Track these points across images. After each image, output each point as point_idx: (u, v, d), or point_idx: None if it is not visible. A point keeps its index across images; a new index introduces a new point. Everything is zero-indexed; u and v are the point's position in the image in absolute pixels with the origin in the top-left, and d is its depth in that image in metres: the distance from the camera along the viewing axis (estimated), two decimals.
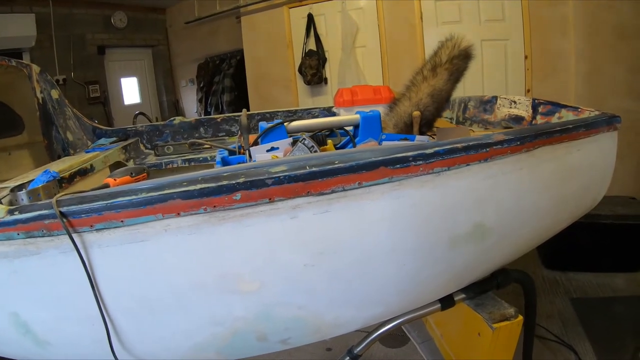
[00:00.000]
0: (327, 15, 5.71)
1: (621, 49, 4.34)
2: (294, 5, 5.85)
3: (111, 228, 1.11)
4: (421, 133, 2.08)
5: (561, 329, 3.04)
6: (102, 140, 3.48)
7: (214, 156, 2.96)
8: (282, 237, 1.14)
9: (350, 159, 1.13)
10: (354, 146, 1.85)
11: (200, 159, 3.01)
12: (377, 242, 1.23)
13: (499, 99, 2.54)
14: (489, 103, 2.61)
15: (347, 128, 2.01)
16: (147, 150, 3.46)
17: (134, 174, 1.58)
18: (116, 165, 3.05)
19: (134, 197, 1.08)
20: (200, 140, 2.87)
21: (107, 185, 1.50)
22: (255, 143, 1.82)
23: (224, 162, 1.82)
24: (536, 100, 2.25)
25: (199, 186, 1.06)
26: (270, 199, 1.08)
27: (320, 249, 1.18)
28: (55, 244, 1.19)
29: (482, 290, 1.67)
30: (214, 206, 1.07)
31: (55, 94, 3.38)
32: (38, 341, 1.46)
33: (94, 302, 1.22)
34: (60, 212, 1.13)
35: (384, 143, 1.82)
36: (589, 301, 3.39)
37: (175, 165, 3.07)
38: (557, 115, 2.11)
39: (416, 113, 2.06)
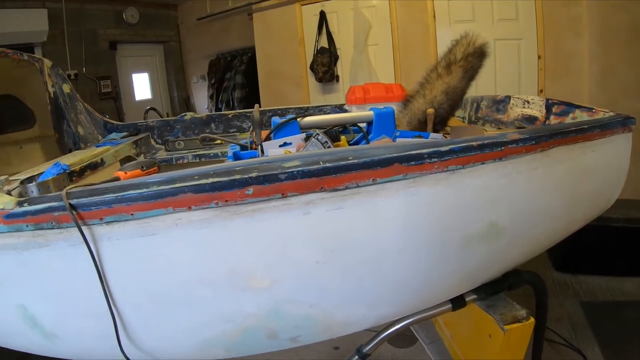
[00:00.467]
0: (340, 12, 5.69)
1: (635, 50, 4.29)
2: (306, 2, 5.84)
3: (121, 221, 1.10)
4: (435, 131, 2.06)
5: (570, 333, 3.01)
6: (113, 135, 3.49)
7: (225, 152, 2.95)
8: (295, 234, 1.13)
9: (365, 155, 1.11)
10: (368, 143, 1.83)
11: (211, 154, 3.01)
12: (390, 239, 1.21)
13: (512, 98, 2.51)
14: (502, 103, 2.59)
15: (361, 124, 2.00)
16: (157, 146, 3.47)
17: (144, 168, 1.57)
18: (127, 160, 3.05)
19: (144, 190, 1.07)
20: (212, 136, 2.86)
21: (117, 179, 1.50)
22: (268, 138, 1.80)
23: (236, 157, 1.81)
24: (550, 101, 2.22)
25: (210, 180, 1.05)
26: (283, 194, 1.07)
27: (333, 246, 1.17)
28: (64, 237, 1.18)
29: (493, 291, 1.64)
30: (226, 201, 1.06)
31: (66, 88, 3.39)
32: (46, 334, 1.46)
33: (103, 296, 1.21)
34: (70, 204, 1.12)
35: (398, 140, 1.81)
36: (599, 305, 3.35)
37: (186, 161, 3.07)
38: (571, 115, 2.09)
39: (430, 110, 2.05)
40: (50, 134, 3.58)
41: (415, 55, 5.24)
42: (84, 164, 2.50)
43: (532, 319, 1.57)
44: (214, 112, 7.30)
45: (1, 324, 1.60)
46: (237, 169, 1.07)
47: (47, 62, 3.28)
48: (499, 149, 1.26)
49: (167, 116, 7.24)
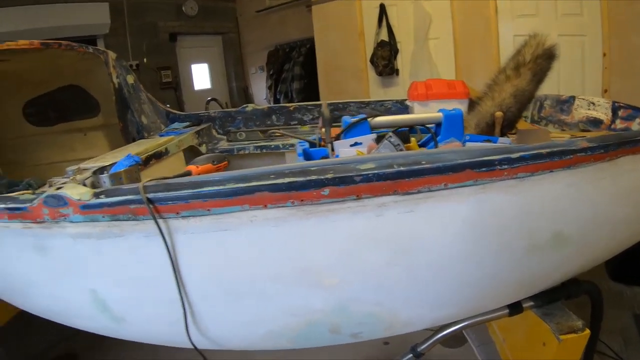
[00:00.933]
0: (399, 5, 5.62)
1: None
2: None
3: (197, 216, 1.15)
4: (502, 134, 2.03)
5: (621, 346, 2.91)
6: (176, 125, 3.59)
7: (287, 144, 3.00)
8: (366, 235, 1.14)
9: (437, 160, 1.11)
10: (436, 144, 1.82)
11: (273, 146, 3.05)
12: (457, 244, 1.22)
13: (576, 99, 2.44)
14: (566, 103, 2.52)
15: (429, 125, 1.99)
16: (219, 136, 3.54)
17: (215, 162, 1.61)
18: (190, 150, 3.14)
19: (221, 187, 1.10)
20: (280, 130, 2.91)
21: (189, 173, 1.54)
22: (338, 137, 1.82)
23: (306, 155, 1.84)
24: (616, 104, 2.16)
25: (287, 180, 1.07)
26: (357, 195, 1.08)
27: (402, 248, 1.18)
28: (140, 228, 1.23)
29: (551, 299, 1.61)
30: (302, 200, 1.08)
31: (130, 79, 3.51)
32: (114, 317, 1.53)
33: (174, 285, 1.26)
34: (148, 198, 1.17)
35: (468, 144, 1.79)
36: None
37: (247, 152, 3.13)
38: (637, 120, 2.03)
39: (499, 114, 2.01)
40: (113, 123, 3.71)
41: (476, 50, 5.13)
42: (150, 153, 2.59)
43: (587, 331, 1.53)
44: (273, 104, 7.43)
45: (70, 306, 1.70)
46: (313, 169, 1.09)
47: (112, 55, 3.40)
48: (568, 157, 1.23)
49: (226, 107, 7.40)
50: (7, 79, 3.30)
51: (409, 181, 1.10)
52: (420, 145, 1.92)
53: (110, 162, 2.38)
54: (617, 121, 2.14)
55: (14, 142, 2.36)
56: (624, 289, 3.59)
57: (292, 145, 2.98)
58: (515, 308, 1.57)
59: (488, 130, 2.05)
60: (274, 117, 3.39)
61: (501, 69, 2.16)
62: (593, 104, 2.30)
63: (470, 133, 1.95)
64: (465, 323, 1.56)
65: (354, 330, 1.37)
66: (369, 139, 1.72)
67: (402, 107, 3.14)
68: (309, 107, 3.31)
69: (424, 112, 2.62)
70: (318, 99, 6.11)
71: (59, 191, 1.39)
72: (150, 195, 1.17)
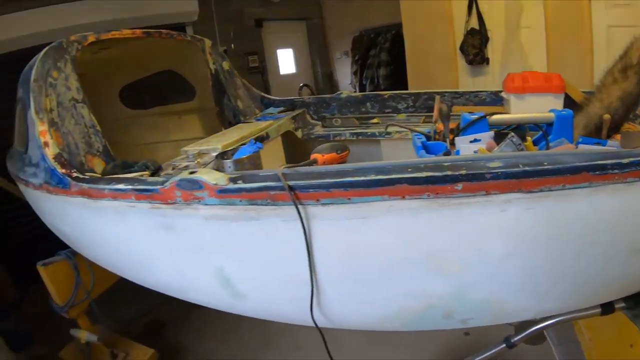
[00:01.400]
0: None
1: None
2: None
3: (338, 204, 1.25)
4: (608, 136, 2.05)
5: None
6: (271, 110, 3.73)
7: (382, 132, 3.08)
8: (491, 228, 1.22)
9: (558, 162, 1.17)
10: (547, 144, 1.87)
11: (369, 133, 3.13)
12: (570, 241, 1.28)
13: None
14: None
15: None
16: (313, 121, 3.65)
17: (339, 151, 1.71)
18: (287, 134, 3.28)
19: (363, 178, 1.21)
20: (397, 124, 2.96)
21: (315, 161, 1.65)
22: (457, 132, 1.90)
23: (425, 148, 1.92)
24: None
25: (424, 174, 1.16)
26: (486, 191, 1.16)
27: (521, 242, 1.25)
28: (277, 213, 1.35)
29: None
30: (437, 193, 1.17)
31: (226, 65, 3.68)
32: (235, 294, 1.67)
33: (306, 267, 1.38)
34: (289, 185, 1.29)
35: (580, 146, 1.83)
36: None
37: (343, 138, 3.23)
38: None
39: (606, 116, 2.01)
40: (207, 107, 3.91)
41: (569, 41, 4.96)
42: (253, 138, 2.74)
43: None
44: (359, 90, 7.49)
45: (192, 281, 1.88)
46: (447, 165, 1.18)
47: (208, 42, 3.58)
48: None
49: (311, 92, 7.53)
50: (106, 65, 3.53)
51: (532, 180, 1.16)
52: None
53: (217, 145, 2.54)
54: None
55: (111, 124, 2.56)
56: None
57: (388, 133, 3.05)
58: (607, 308, 1.61)
59: (595, 132, 2.06)
60: (368, 104, 3.44)
61: (608, 70, 2.15)
62: None
63: (579, 134, 1.98)
64: (561, 318, 1.62)
65: (465, 316, 1.45)
66: (487, 136, 1.79)
67: (496, 98, 3.13)
68: (404, 95, 3.34)
69: (520, 105, 2.63)
70: (405, 86, 6.09)
71: (193, 176, 1.52)
72: (291, 183, 1.29)
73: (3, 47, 4.88)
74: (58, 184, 2.20)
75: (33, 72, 2.43)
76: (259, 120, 3.40)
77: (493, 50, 5.56)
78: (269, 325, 3.64)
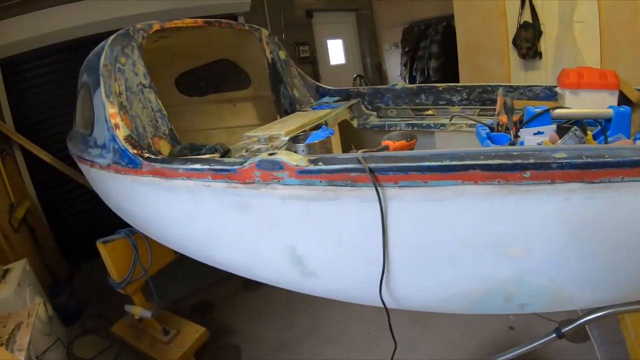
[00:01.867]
0: None
1: None
2: None
3: (414, 187, 1.36)
4: None
5: None
6: (326, 99, 3.84)
7: (437, 123, 3.16)
8: (554, 215, 1.30)
9: (618, 155, 1.24)
10: (606, 139, 1.93)
11: (424, 125, 3.22)
12: (628, 233, 1.34)
13: None
14: None
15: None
16: (368, 111, 3.74)
17: (408, 139, 1.82)
18: (342, 124, 3.39)
19: (440, 163, 1.30)
20: (464, 115, 3.04)
21: (386, 147, 1.76)
22: (521, 124, 1.98)
23: (490, 139, 2.01)
24: None
25: (496, 161, 1.26)
26: (552, 180, 1.25)
27: (581, 230, 1.33)
28: (356, 194, 1.46)
29: None
30: (507, 180, 1.26)
31: (282, 54, 3.79)
32: (305, 272, 1.77)
33: (378, 247, 1.48)
34: (369, 168, 1.39)
35: (638, 142, 1.89)
36: None
37: (398, 128, 3.31)
38: None
39: None
40: (262, 95, 4.04)
41: (623, 37, 4.87)
42: (313, 125, 2.85)
43: None
44: (408, 81, 7.52)
45: (262, 259, 1.97)
46: (516, 154, 1.27)
47: (265, 31, 3.70)
48: None
49: (359, 82, 7.59)
50: (164, 53, 3.68)
51: (594, 172, 1.24)
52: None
53: (280, 131, 2.66)
54: None
55: (166, 110, 2.70)
56: None
57: (443, 125, 3.13)
58: None
59: None
60: (422, 96, 3.51)
61: None
62: None
63: (636, 131, 2.03)
64: (613, 310, 1.68)
65: (523, 301, 1.52)
66: (550, 129, 1.87)
67: (550, 93, 3.15)
68: (458, 88, 3.40)
69: (575, 100, 2.67)
70: (456, 79, 6.10)
71: (274, 157, 1.63)
72: (371, 165, 1.39)
73: (64, 35, 5.12)
74: (128, 164, 2.34)
75: (102, 57, 2.57)
76: (315, 109, 3.50)
77: (546, 45, 5.50)
78: (317, 311, 3.79)
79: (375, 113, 3.66)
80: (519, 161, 1.25)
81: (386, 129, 3.34)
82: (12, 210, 4.54)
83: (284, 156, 1.61)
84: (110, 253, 3.18)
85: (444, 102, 3.44)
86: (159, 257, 3.35)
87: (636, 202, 1.29)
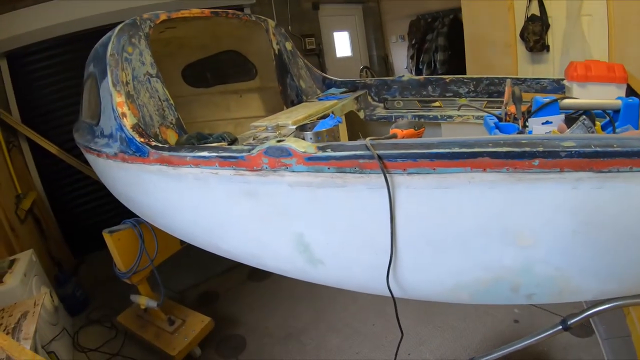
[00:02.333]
0: None
1: None
2: None
3: (423, 174, 1.35)
4: None
5: None
6: (333, 90, 3.84)
7: (444, 115, 3.16)
8: (562, 203, 1.30)
9: (627, 145, 1.23)
10: (614, 129, 1.92)
11: (431, 116, 3.21)
12: (637, 222, 1.33)
13: None
14: None
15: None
16: (374, 103, 3.74)
17: (416, 128, 1.81)
18: (348, 115, 3.39)
19: (448, 150, 1.30)
20: (472, 105, 3.04)
21: (395, 136, 1.76)
22: (529, 114, 1.97)
23: (498, 129, 2.01)
24: None
25: (505, 149, 1.25)
26: (561, 169, 1.24)
27: (589, 219, 1.32)
28: (364, 181, 1.45)
29: None
30: (515, 168, 1.26)
31: (289, 45, 3.79)
32: (312, 260, 1.77)
33: (386, 234, 1.48)
34: (378, 155, 1.39)
35: None
36: None
37: (405, 120, 3.30)
38: None
39: None
40: (269, 86, 4.05)
41: (632, 31, 4.87)
42: (319, 115, 2.84)
43: None
44: (415, 74, 7.50)
45: (269, 247, 1.97)
46: (524, 142, 1.26)
47: (271, 22, 3.70)
48: None
49: (366, 75, 7.57)
50: (171, 45, 3.69)
51: (602, 161, 1.23)
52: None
53: (287, 121, 2.66)
54: None
55: (174, 101, 2.71)
56: None
57: (450, 116, 3.12)
58: None
59: None
60: (429, 87, 3.51)
61: None
62: None
63: None
64: (620, 302, 1.64)
65: (530, 291, 1.52)
66: (558, 119, 1.86)
67: (558, 86, 3.16)
68: (465, 80, 3.39)
69: (583, 93, 2.65)
70: (463, 71, 6.08)
71: (282, 144, 1.62)
72: (380, 152, 1.39)
73: (69, 27, 5.13)
74: (135, 153, 2.34)
75: (109, 47, 2.58)
76: (321, 100, 3.50)
77: (554, 38, 5.48)
78: (322, 302, 3.80)
79: (382, 104, 3.66)
80: (527, 149, 1.25)
81: (393, 120, 3.35)
82: (18, 201, 4.57)
83: (292, 143, 1.60)
84: (117, 243, 3.19)
85: (451, 94, 3.44)
86: (164, 247, 3.36)
87: None
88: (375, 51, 8.97)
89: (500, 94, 3.11)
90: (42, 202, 5.28)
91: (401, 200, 1.42)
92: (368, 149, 1.41)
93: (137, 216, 3.19)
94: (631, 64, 2.87)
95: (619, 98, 2.00)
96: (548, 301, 1.60)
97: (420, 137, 1.82)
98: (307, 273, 1.91)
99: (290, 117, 2.75)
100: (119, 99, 2.48)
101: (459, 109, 3.09)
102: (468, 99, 3.31)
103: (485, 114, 2.29)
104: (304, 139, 1.99)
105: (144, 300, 3.40)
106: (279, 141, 1.65)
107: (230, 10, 3.44)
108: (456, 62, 6.76)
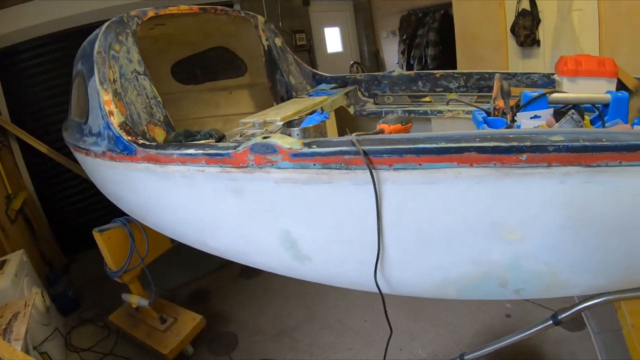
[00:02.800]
0: None
1: None
2: None
3: (409, 169, 1.34)
4: None
5: None
6: (322, 86, 3.82)
7: (434, 110, 3.15)
8: (551, 198, 1.29)
9: (616, 139, 1.22)
10: (603, 124, 1.92)
11: (421, 111, 3.20)
12: (625, 217, 1.33)
13: None
14: None
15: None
16: (364, 98, 3.73)
17: (404, 123, 1.80)
18: (338, 110, 3.38)
19: (435, 145, 1.29)
20: (460, 100, 3.03)
21: (382, 131, 1.75)
22: (518, 109, 1.97)
23: (487, 123, 1.99)
24: None
25: (492, 144, 1.25)
26: (548, 163, 1.23)
27: (578, 214, 1.32)
28: (350, 177, 1.44)
29: None
30: (503, 162, 1.25)
31: (278, 41, 3.77)
32: (299, 256, 1.77)
33: (373, 230, 1.47)
34: (364, 150, 1.38)
35: (636, 127, 1.87)
36: None
37: (395, 115, 3.30)
38: None
39: None
40: (258, 82, 4.03)
41: (622, 26, 4.85)
42: (309, 111, 2.83)
43: None
44: (406, 69, 7.50)
45: (256, 244, 1.96)
46: (512, 136, 1.25)
47: (261, 18, 3.68)
48: None
49: (356, 70, 7.56)
50: (160, 41, 3.67)
51: (591, 155, 1.22)
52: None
53: (275, 117, 2.64)
54: None
55: (162, 98, 2.69)
56: None
57: (440, 111, 3.12)
58: None
59: None
60: (420, 83, 3.50)
61: None
62: None
63: (634, 116, 2.02)
64: (610, 297, 1.62)
65: (519, 286, 1.51)
66: (547, 113, 1.86)
67: (548, 81, 3.14)
68: (456, 75, 3.39)
69: (573, 88, 2.66)
70: (454, 66, 6.07)
71: (268, 140, 1.61)
72: (366, 148, 1.38)
73: (59, 25, 5.09)
74: (123, 151, 2.33)
75: (96, 44, 2.55)
76: (311, 95, 3.49)
77: (544, 33, 5.49)
78: (313, 298, 3.81)
79: (372, 100, 3.66)
80: (515, 144, 1.24)
81: (383, 115, 3.33)
82: (8, 201, 4.54)
83: (277, 139, 1.59)
84: (107, 242, 3.17)
85: (441, 89, 3.43)
86: (155, 246, 3.35)
87: (634, 187, 1.27)
88: (366, 47, 8.93)
89: (491, 88, 3.10)
90: (32, 202, 5.24)
91: (387, 196, 1.42)
92: (354, 144, 1.39)
93: (127, 215, 3.16)
94: (622, 59, 2.86)
95: (608, 92, 2.00)
96: (537, 296, 1.60)
97: (408, 132, 1.82)
98: (294, 270, 1.91)
99: (279, 113, 2.73)
100: (106, 97, 2.46)
101: (447, 104, 3.09)
102: (458, 93, 3.31)
103: (474, 108, 2.28)
104: (290, 135, 1.98)
105: (135, 299, 3.38)
106: (264, 138, 1.65)
107: (218, 7, 3.42)
108: (447, 57, 6.71)
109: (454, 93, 3.33)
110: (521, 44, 5.50)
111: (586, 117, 1.95)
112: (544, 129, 1.35)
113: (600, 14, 5.05)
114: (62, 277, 4.41)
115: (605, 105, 1.99)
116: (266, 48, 3.69)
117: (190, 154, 1.91)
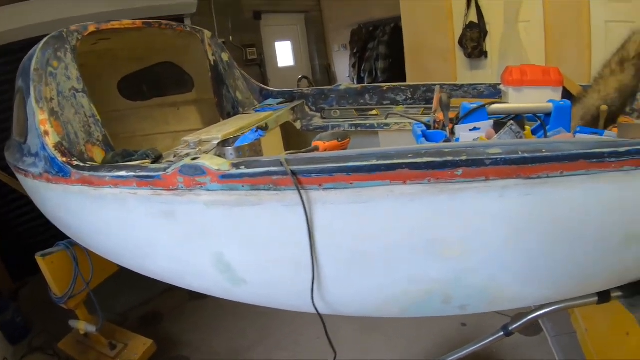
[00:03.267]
0: None
1: None
2: None
3: (339, 189, 1.28)
4: (605, 127, 2.07)
5: None
6: (270, 101, 3.75)
7: (381, 123, 3.11)
8: (489, 213, 1.25)
9: (557, 149, 1.20)
10: (545, 134, 1.90)
11: (368, 125, 3.16)
12: (567, 228, 1.30)
13: None
14: None
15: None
16: (312, 112, 3.67)
17: (340, 139, 1.74)
18: (286, 126, 3.30)
19: (366, 162, 1.23)
20: (398, 114, 3.00)
21: (316, 148, 1.68)
22: (457, 121, 1.93)
23: (425, 137, 1.95)
24: None
25: (426, 159, 1.19)
26: (486, 177, 1.19)
27: (519, 227, 1.28)
28: (279, 198, 1.38)
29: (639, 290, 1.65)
30: (437, 178, 1.20)
31: (225, 56, 3.70)
32: (234, 279, 1.70)
33: (306, 250, 1.40)
34: (292, 170, 1.31)
35: (578, 136, 1.86)
36: None
37: (342, 129, 3.25)
38: None
39: (604, 107, 2.05)
40: (206, 98, 3.93)
41: (567, 36, 4.95)
42: (253, 127, 2.75)
43: None
44: (357, 82, 7.51)
45: (190, 267, 1.89)
46: (447, 151, 1.20)
47: (207, 33, 3.59)
48: None
49: (309, 84, 7.54)
50: (105, 57, 3.54)
51: (531, 167, 1.19)
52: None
53: (217, 135, 2.56)
54: None
55: (109, 115, 2.57)
56: None
57: (387, 124, 3.08)
58: (604, 296, 1.62)
59: (593, 123, 2.09)
60: (367, 96, 3.45)
61: (606, 63, 2.18)
62: None
63: (577, 125, 2.01)
64: (558, 306, 1.64)
65: (463, 302, 1.48)
66: (486, 124, 1.81)
67: (495, 91, 3.15)
68: (403, 87, 3.36)
69: (519, 97, 2.66)
70: (404, 79, 6.10)
71: (196, 161, 1.54)
72: (294, 168, 1.31)
73: (5, 38, 4.88)
74: (58, 173, 2.22)
75: (33, 61, 2.43)
76: (258, 111, 3.42)
77: (492, 44, 5.56)
78: (266, 317, 3.70)
79: (319, 114, 3.60)
80: (450, 158, 1.19)
81: (330, 130, 3.27)
82: None
83: (206, 160, 1.52)
84: (50, 266, 3.03)
85: (389, 102, 3.39)
86: (100, 269, 3.21)
87: (575, 197, 1.26)
88: (318, 60, 8.96)
89: None
90: None
91: (319, 216, 1.35)
92: (282, 164, 1.33)
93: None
94: (567, 68, 2.88)
95: (550, 101, 1.98)
96: (484, 310, 1.58)
97: (345, 148, 1.76)
98: (231, 293, 1.86)
99: (221, 131, 2.65)
100: (42, 116, 2.34)
101: (386, 118, 3.05)
102: (405, 106, 3.28)
103: (414, 121, 2.23)
104: (225, 154, 1.92)
105: (82, 325, 3.25)
106: (193, 159, 1.58)
107: (163, 21, 3.31)
108: (397, 69, 6.78)
109: (401, 106, 3.30)
110: (469, 55, 5.56)
111: (527, 127, 1.92)
112: (481, 142, 1.30)
113: (546, 25, 5.13)
114: (10, 303, 4.20)
115: (548, 115, 1.96)
116: (212, 63, 3.60)
117: (122, 177, 1.83)
